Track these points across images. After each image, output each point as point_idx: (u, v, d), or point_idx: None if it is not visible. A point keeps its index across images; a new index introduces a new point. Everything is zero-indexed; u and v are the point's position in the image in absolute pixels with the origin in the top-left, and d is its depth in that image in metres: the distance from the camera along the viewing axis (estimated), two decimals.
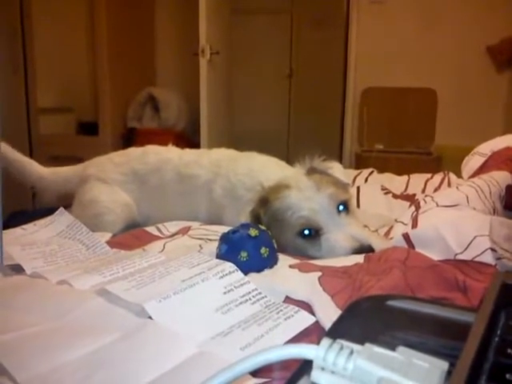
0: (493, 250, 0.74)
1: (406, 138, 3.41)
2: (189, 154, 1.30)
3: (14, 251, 0.85)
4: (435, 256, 0.76)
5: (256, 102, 4.40)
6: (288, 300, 0.66)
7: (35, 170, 1.37)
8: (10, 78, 3.35)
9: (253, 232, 0.82)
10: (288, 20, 4.42)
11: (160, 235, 1.08)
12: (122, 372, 0.49)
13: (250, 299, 0.65)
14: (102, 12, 3.39)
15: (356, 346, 0.34)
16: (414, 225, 0.87)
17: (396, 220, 1.00)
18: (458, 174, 1.46)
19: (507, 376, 0.32)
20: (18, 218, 1.27)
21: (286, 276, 0.72)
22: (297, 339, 0.57)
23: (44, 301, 0.65)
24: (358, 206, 1.29)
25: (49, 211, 1.08)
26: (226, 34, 3.46)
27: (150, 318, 0.58)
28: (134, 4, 3.77)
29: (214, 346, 0.54)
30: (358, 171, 1.66)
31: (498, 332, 0.38)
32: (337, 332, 0.41)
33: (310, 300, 0.64)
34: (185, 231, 1.06)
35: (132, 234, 1.08)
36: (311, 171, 1.03)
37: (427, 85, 3.38)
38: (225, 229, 0.89)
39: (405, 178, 1.57)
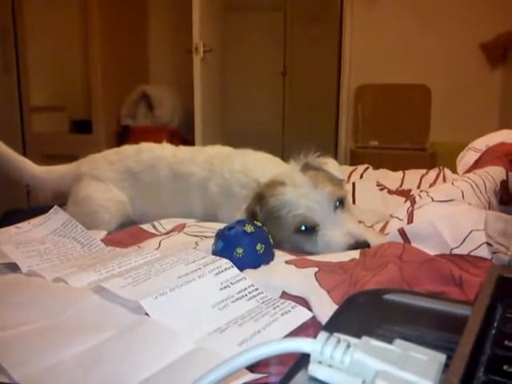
0: (488, 244, 0.74)
1: (401, 135, 3.41)
2: (183, 151, 1.29)
3: (9, 250, 0.85)
4: (431, 251, 0.76)
5: (250, 99, 4.40)
6: (284, 295, 0.66)
7: (29, 168, 1.36)
8: (2, 77, 3.33)
9: (248, 228, 0.82)
10: (282, 17, 4.42)
11: (155, 232, 1.07)
12: (119, 369, 0.49)
13: (246, 295, 0.65)
14: (95, 10, 3.37)
15: (353, 340, 0.34)
16: (410, 220, 0.87)
17: (391, 215, 1.00)
18: (453, 170, 1.46)
19: (505, 368, 0.33)
20: (12, 216, 1.26)
21: (282, 272, 0.72)
22: (294, 334, 0.57)
23: (40, 298, 0.65)
24: (354, 201, 1.29)
25: (43, 210, 1.08)
26: (220, 31, 3.45)
27: (147, 314, 0.58)
28: (127, 1, 3.75)
29: (210, 342, 0.54)
30: (353, 167, 1.66)
31: (495, 324, 0.38)
32: (334, 326, 0.41)
33: (307, 295, 0.64)
34: (180, 228, 1.05)
35: (127, 232, 1.08)
36: (306, 167, 1.03)
37: (421, 81, 3.39)
38: (220, 226, 0.89)
39: (400, 173, 1.57)
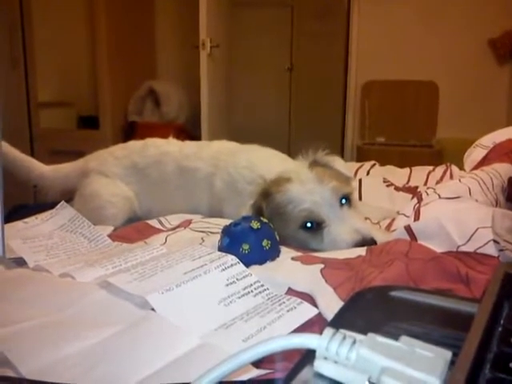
0: (495, 241, 0.73)
1: (408, 131, 3.40)
2: (189, 146, 1.29)
3: (16, 244, 0.85)
4: (437, 248, 0.76)
5: (257, 95, 4.39)
6: (290, 292, 0.66)
7: (37, 168, 1.37)
8: (9, 73, 3.34)
9: (255, 224, 0.82)
10: (289, 13, 4.40)
11: (162, 228, 1.08)
12: (125, 364, 0.49)
13: (252, 291, 0.65)
14: (102, 5, 3.37)
15: (359, 336, 0.34)
16: (417, 217, 0.86)
17: (398, 212, 1.00)
18: (460, 167, 1.46)
19: (511, 365, 0.32)
20: (19, 211, 1.27)
21: (288, 268, 0.72)
22: (299, 331, 0.57)
23: (47, 293, 0.65)
24: (360, 198, 1.29)
25: (51, 205, 1.09)
26: (227, 27, 3.45)
27: (153, 310, 0.59)
28: None
29: (216, 338, 0.54)
30: (360, 164, 1.66)
31: (501, 322, 0.38)
32: (339, 322, 0.41)
33: (313, 292, 0.64)
34: (186, 224, 1.06)
35: (133, 227, 1.08)
36: (314, 164, 1.03)
37: (429, 78, 3.37)
38: (226, 222, 0.89)
39: (407, 170, 1.56)
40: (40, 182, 1.38)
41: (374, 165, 1.65)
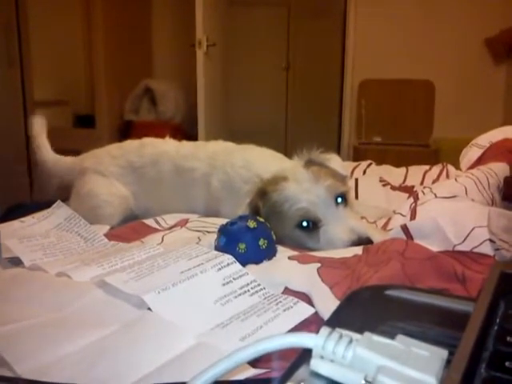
0: (491, 240, 0.74)
1: (404, 131, 3.40)
2: (186, 146, 1.29)
3: (12, 244, 0.85)
4: (434, 247, 0.76)
5: (253, 94, 4.39)
6: (287, 291, 0.66)
7: (45, 152, 1.38)
8: (5, 72, 3.33)
9: (251, 224, 0.82)
10: (285, 12, 4.40)
11: (158, 227, 1.08)
12: (122, 363, 0.49)
13: (248, 291, 0.65)
14: (98, 4, 3.37)
15: (355, 335, 0.34)
16: (413, 216, 0.87)
17: (394, 212, 1.00)
18: (457, 166, 1.46)
19: (507, 364, 0.33)
20: (16, 211, 1.26)
21: (284, 267, 0.72)
22: (296, 330, 0.57)
23: (43, 293, 0.65)
24: (357, 197, 1.29)
25: (47, 204, 1.08)
26: (223, 25, 3.45)
27: (149, 309, 0.59)
28: None
29: (213, 337, 0.54)
30: (357, 163, 1.66)
31: (497, 321, 0.38)
32: (336, 321, 0.41)
33: (309, 291, 0.64)
34: (183, 223, 1.06)
35: (130, 227, 1.08)
36: (309, 163, 1.03)
37: (425, 77, 3.38)
38: (223, 221, 0.89)
39: (403, 169, 1.57)
40: (41, 166, 1.39)
41: (371, 164, 1.65)
